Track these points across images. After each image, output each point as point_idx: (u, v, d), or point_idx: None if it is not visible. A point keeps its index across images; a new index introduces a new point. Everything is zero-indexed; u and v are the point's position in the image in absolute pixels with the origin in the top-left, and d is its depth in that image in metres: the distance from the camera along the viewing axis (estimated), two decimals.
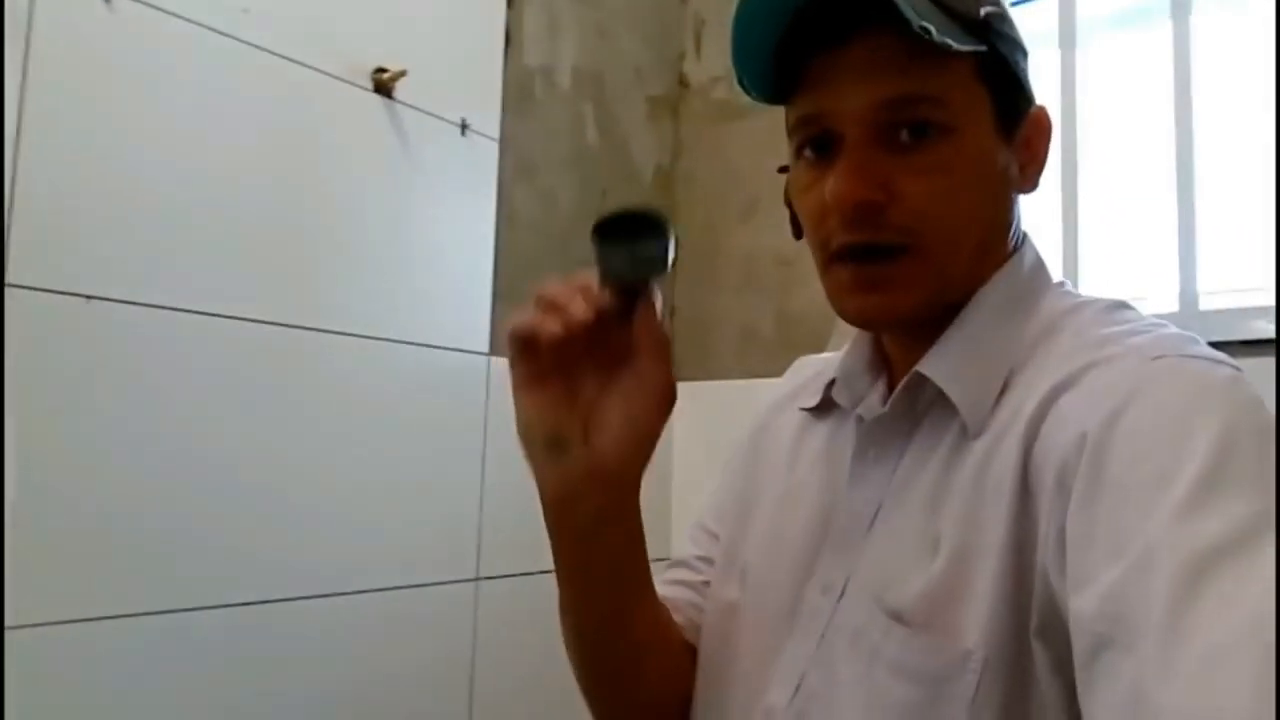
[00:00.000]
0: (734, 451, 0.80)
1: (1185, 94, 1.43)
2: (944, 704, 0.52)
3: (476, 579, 1.50)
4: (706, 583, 0.75)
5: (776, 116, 0.63)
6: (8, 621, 0.99)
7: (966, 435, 0.57)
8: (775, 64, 0.59)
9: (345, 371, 1.37)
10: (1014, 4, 1.61)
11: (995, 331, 0.59)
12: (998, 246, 0.62)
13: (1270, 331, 1.27)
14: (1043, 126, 0.63)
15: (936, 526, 0.55)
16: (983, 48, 0.57)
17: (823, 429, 0.70)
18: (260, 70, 1.29)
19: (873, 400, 0.65)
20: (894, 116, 0.57)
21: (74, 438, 1.09)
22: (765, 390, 0.82)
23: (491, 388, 1.56)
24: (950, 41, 0.53)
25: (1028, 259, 0.63)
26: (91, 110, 1.13)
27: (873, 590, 0.58)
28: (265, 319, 1.27)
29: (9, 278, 1.04)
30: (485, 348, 1.56)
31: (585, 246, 0.60)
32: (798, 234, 0.64)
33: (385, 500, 1.40)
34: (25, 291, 1.06)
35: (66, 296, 1.09)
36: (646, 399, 0.60)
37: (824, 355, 0.78)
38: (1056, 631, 0.49)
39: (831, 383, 0.69)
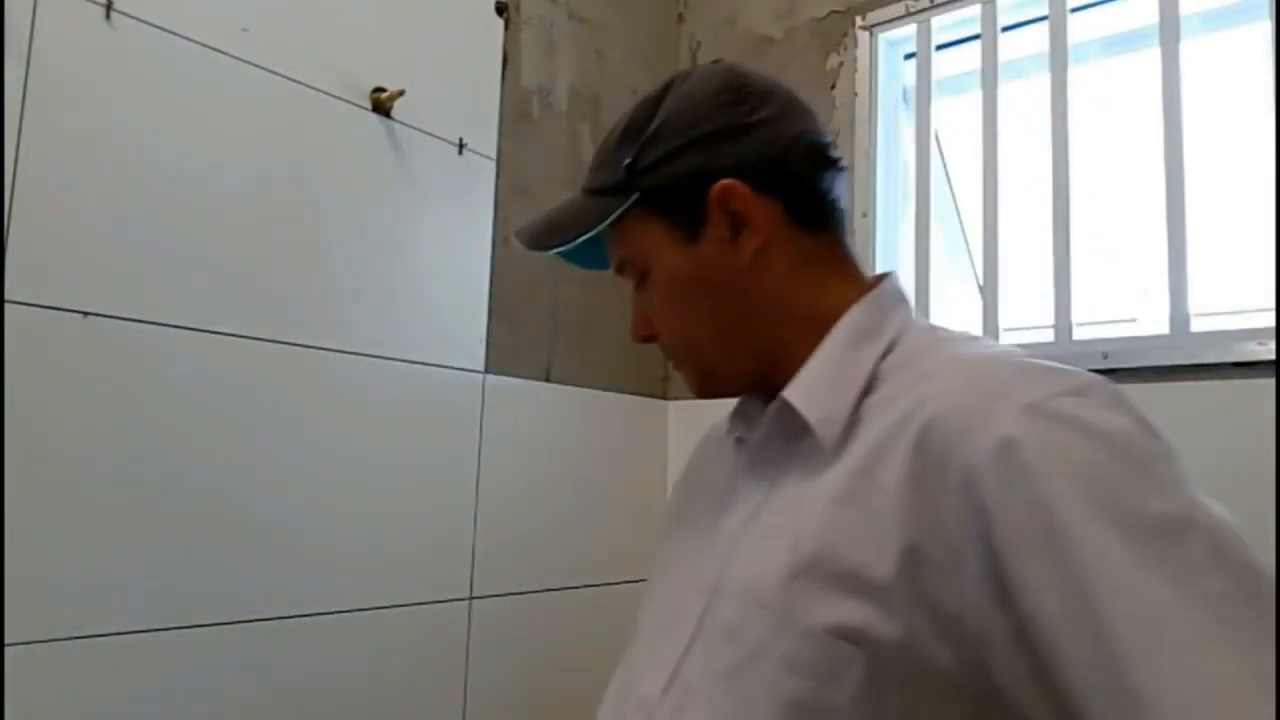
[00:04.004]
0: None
1: (1175, 118, 1.44)
2: (830, 692, 0.56)
3: (470, 598, 1.50)
4: None
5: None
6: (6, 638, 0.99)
7: (821, 449, 0.63)
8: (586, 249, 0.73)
9: (341, 389, 1.37)
10: (1004, 29, 1.64)
11: (844, 357, 0.66)
12: (800, 298, 0.69)
13: (1261, 354, 1.28)
14: (727, 196, 0.67)
15: (796, 526, 0.61)
16: (634, 197, 0.68)
17: (742, 452, 0.75)
18: (259, 89, 1.30)
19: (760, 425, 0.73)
20: (625, 276, 0.74)
21: (70, 453, 1.09)
22: None
23: (486, 405, 1.56)
24: (589, 228, 0.68)
25: (884, 297, 0.70)
26: (90, 127, 1.13)
27: (741, 586, 0.63)
28: (261, 336, 1.28)
29: (6, 294, 1.04)
30: (481, 365, 1.57)
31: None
32: None
33: (379, 518, 1.40)
34: (23, 307, 1.06)
35: (63, 313, 1.09)
36: None
37: None
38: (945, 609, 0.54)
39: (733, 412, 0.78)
